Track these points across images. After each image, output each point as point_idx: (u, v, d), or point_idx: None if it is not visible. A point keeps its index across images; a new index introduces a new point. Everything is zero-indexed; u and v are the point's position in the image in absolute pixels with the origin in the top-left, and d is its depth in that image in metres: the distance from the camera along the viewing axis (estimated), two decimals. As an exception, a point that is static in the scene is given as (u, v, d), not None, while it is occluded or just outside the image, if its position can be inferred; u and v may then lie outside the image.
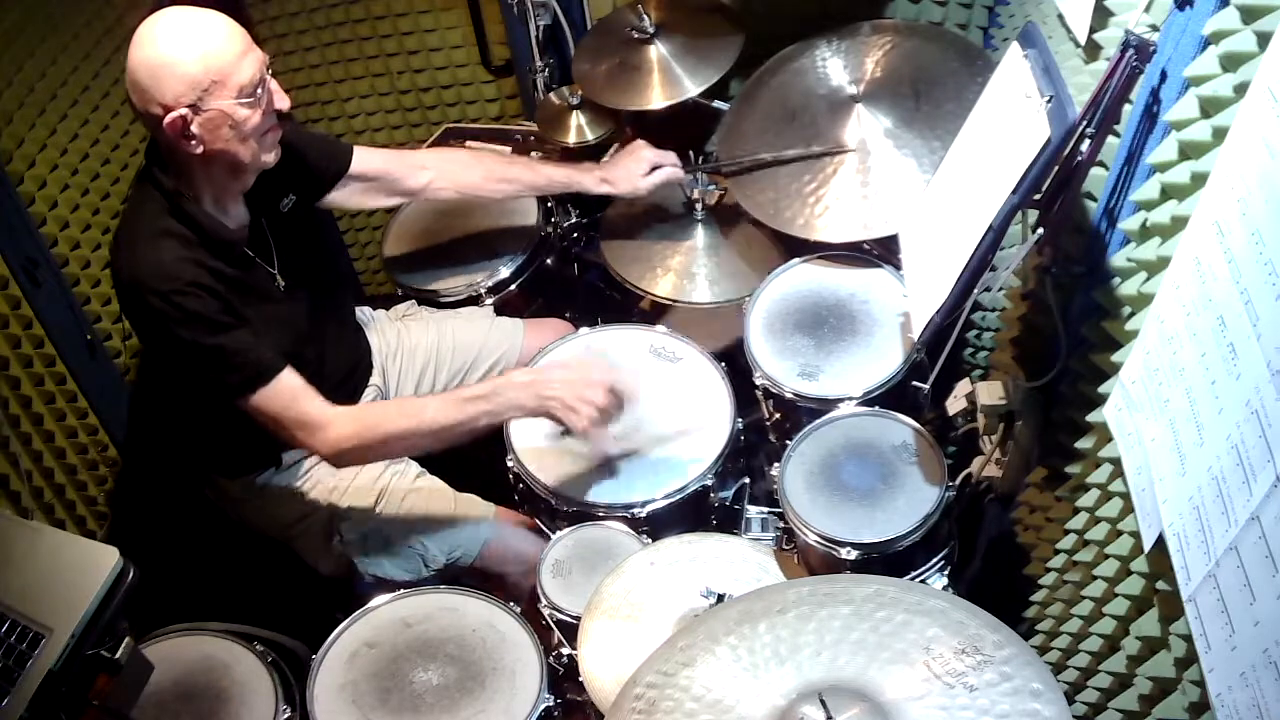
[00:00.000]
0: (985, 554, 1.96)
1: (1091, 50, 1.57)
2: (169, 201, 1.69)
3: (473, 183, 2.19)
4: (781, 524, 1.85)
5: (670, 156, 2.21)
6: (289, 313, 1.87)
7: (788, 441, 1.88)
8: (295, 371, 1.74)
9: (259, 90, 1.64)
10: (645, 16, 2.31)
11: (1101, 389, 1.43)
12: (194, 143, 1.62)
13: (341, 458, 1.81)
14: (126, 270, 1.68)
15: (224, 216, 1.75)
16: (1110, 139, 1.45)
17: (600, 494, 1.92)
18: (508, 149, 2.60)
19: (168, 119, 1.59)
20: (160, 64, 1.57)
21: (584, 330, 2.23)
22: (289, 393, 1.73)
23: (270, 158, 1.73)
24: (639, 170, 2.18)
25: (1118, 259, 1.44)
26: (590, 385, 1.78)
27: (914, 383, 1.89)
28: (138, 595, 1.53)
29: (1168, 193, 1.27)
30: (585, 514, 1.93)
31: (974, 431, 1.87)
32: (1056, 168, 1.46)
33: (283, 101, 1.70)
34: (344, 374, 2.04)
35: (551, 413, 1.78)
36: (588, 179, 2.21)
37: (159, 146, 1.69)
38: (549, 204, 2.52)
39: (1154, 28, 1.31)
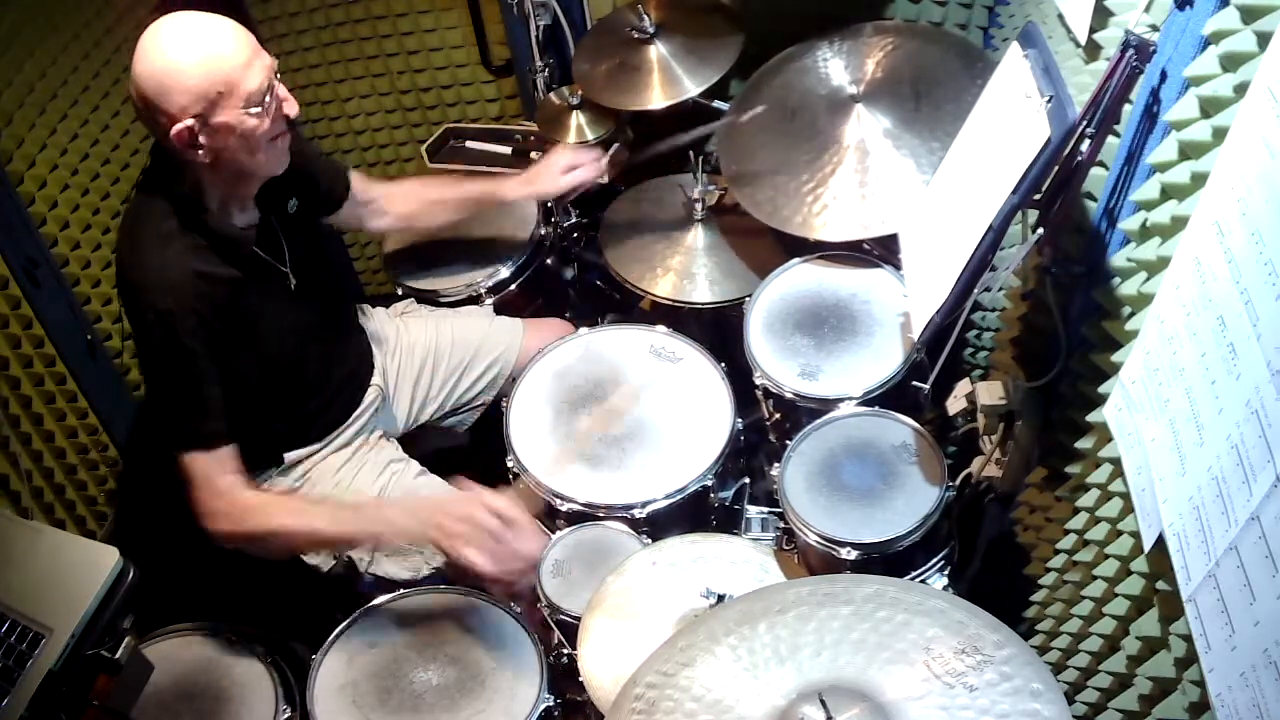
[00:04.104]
0: (985, 554, 1.96)
1: (1091, 50, 1.57)
2: (175, 203, 1.68)
3: (411, 211, 2.23)
4: (781, 524, 1.85)
5: (590, 154, 2.27)
6: (298, 312, 1.86)
7: (788, 441, 1.88)
8: (233, 452, 1.75)
9: (267, 99, 1.61)
10: (645, 16, 2.31)
11: (1101, 389, 1.43)
12: (201, 152, 1.61)
13: (216, 535, 1.77)
14: (131, 273, 1.68)
15: (231, 216, 1.75)
16: (1110, 139, 1.45)
17: (600, 494, 1.92)
18: (508, 149, 2.60)
19: (174, 130, 1.57)
20: (165, 76, 1.55)
21: (584, 330, 2.23)
22: (216, 467, 1.74)
23: (279, 165, 1.72)
24: (556, 168, 2.24)
25: (1118, 259, 1.44)
26: (469, 504, 1.70)
27: (914, 383, 1.89)
28: (138, 595, 1.53)
29: (1168, 193, 1.27)
30: (585, 514, 1.93)
31: (974, 431, 1.86)
32: (1056, 168, 1.46)
33: (291, 108, 1.68)
34: (348, 373, 2.04)
35: (433, 539, 1.72)
36: (508, 185, 2.26)
37: (165, 148, 1.68)
38: (549, 204, 2.52)
39: (1154, 28, 1.31)
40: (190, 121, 1.57)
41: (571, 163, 2.25)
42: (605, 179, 2.30)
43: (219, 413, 1.74)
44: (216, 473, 1.74)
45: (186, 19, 1.59)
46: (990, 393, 1.78)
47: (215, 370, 1.72)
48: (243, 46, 1.60)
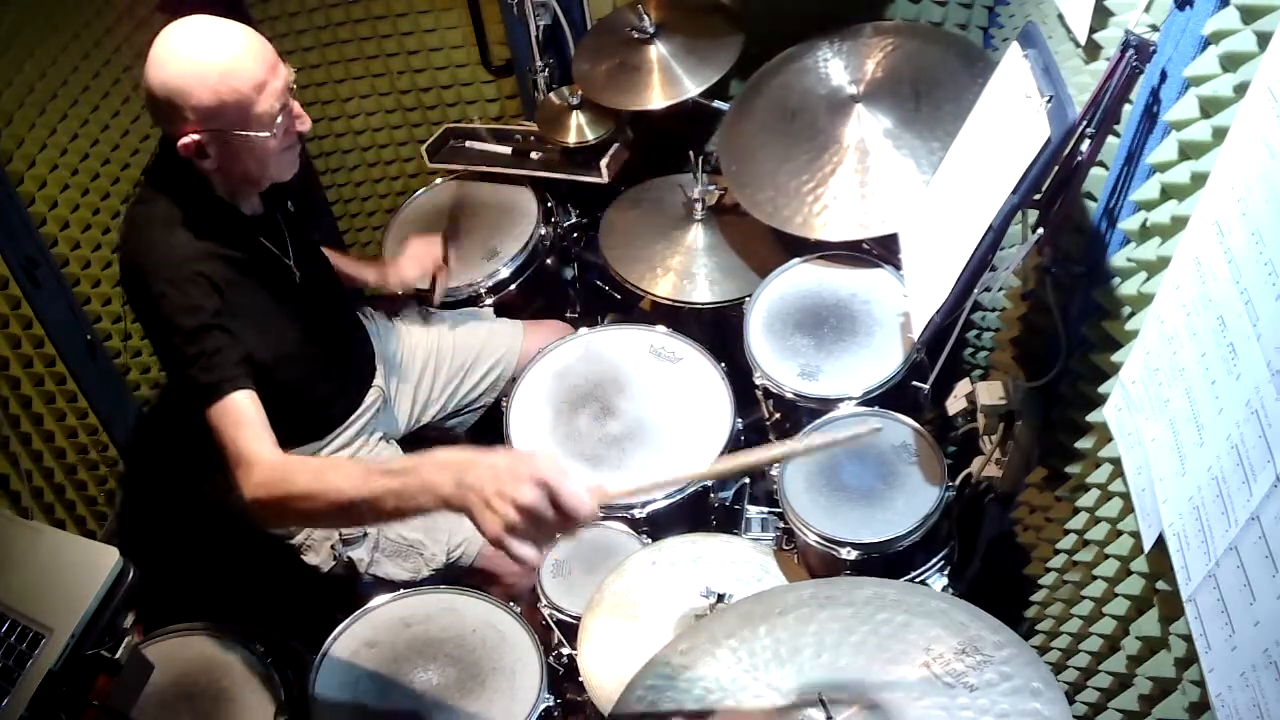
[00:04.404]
0: (985, 554, 1.96)
1: (1091, 50, 1.57)
2: (182, 193, 1.67)
3: None
4: (781, 524, 1.85)
5: (433, 244, 2.31)
6: (301, 307, 1.85)
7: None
8: (256, 401, 1.58)
9: (279, 119, 1.59)
10: (645, 16, 2.32)
11: (1101, 389, 1.43)
12: (208, 161, 1.61)
13: (257, 508, 1.52)
14: (135, 256, 1.65)
15: (239, 206, 1.75)
16: (1110, 139, 1.45)
17: (600, 494, 1.92)
18: (508, 149, 2.60)
19: (181, 142, 1.57)
20: (176, 88, 1.53)
21: (584, 330, 2.23)
22: (236, 418, 1.56)
23: (288, 172, 1.72)
24: (405, 256, 2.29)
25: (1118, 259, 1.44)
26: (521, 480, 1.23)
27: (914, 383, 1.89)
28: (138, 595, 1.53)
29: (1168, 193, 1.27)
30: (585, 514, 1.93)
31: (974, 431, 1.86)
32: (1056, 168, 1.46)
33: (304, 124, 1.66)
34: (350, 372, 2.04)
35: (467, 507, 1.27)
36: (368, 271, 2.30)
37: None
38: (549, 204, 2.53)
39: (1154, 28, 1.31)
40: (198, 136, 1.56)
41: (421, 253, 2.29)
42: (442, 264, 2.34)
43: (232, 360, 1.59)
44: (238, 429, 1.55)
45: (205, 29, 1.55)
46: (990, 393, 1.78)
47: (226, 321, 1.61)
48: (258, 67, 1.55)
